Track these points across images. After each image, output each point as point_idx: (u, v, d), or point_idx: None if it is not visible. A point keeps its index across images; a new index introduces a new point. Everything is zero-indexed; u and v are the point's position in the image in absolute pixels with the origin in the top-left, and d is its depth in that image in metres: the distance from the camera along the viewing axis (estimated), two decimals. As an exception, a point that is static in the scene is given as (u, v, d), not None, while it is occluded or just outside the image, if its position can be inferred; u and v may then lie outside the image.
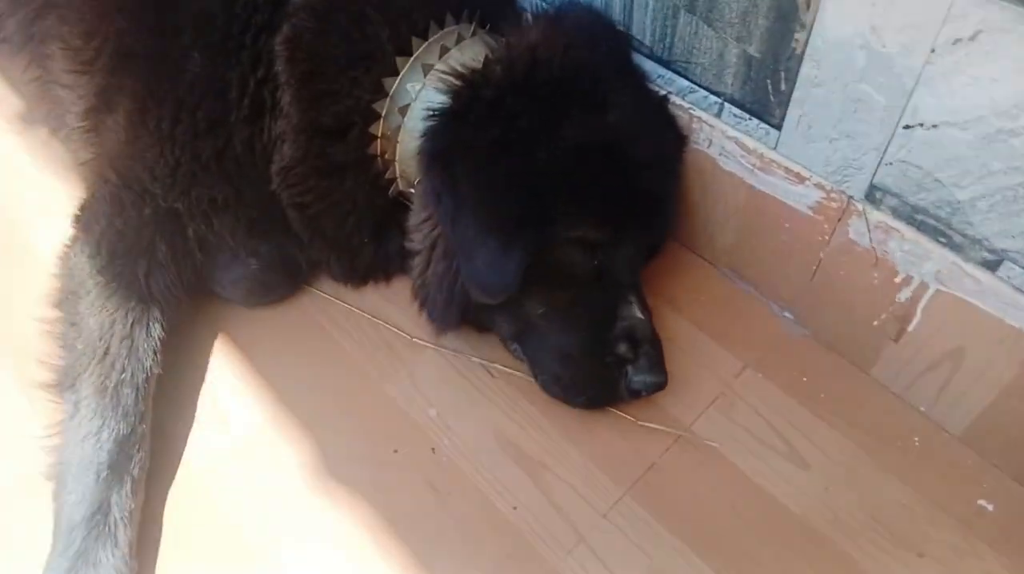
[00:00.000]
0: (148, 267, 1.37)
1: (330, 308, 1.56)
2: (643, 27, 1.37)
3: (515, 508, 1.28)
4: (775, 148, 1.29)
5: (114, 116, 1.40)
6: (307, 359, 1.48)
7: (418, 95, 1.35)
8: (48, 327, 1.37)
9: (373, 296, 1.58)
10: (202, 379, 1.45)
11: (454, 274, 1.30)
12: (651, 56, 1.40)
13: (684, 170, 1.44)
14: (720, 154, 1.38)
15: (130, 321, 1.33)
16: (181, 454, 1.36)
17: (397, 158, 1.40)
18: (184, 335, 1.48)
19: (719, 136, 1.36)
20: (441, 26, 1.39)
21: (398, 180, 1.43)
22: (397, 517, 1.28)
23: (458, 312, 1.34)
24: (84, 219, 1.40)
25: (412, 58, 1.36)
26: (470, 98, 1.24)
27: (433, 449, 1.36)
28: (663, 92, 1.40)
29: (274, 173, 1.38)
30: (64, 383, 1.30)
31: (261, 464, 1.35)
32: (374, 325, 1.53)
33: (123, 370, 1.30)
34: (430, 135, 1.25)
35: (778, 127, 1.27)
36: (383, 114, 1.37)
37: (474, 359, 1.47)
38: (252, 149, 1.38)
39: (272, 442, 1.37)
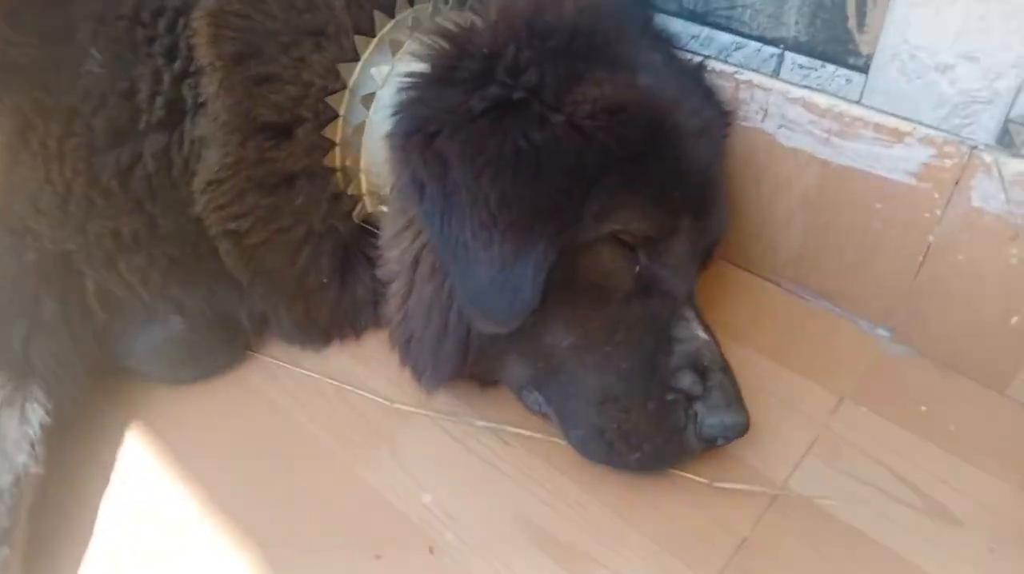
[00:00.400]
0: (28, 331, 1.02)
1: (283, 377, 1.18)
2: (668, -24, 1.09)
3: (560, 623, 0.89)
4: (859, 100, 0.99)
5: None
6: (253, 445, 1.09)
7: (387, 79, 1.04)
8: None
9: (340, 358, 1.21)
10: (106, 480, 1.05)
11: (447, 299, 0.95)
12: (680, 13, 1.11)
13: (729, 157, 1.13)
14: (780, 126, 1.07)
15: None
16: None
17: (363, 167, 1.08)
18: (85, 424, 1.09)
19: (778, 101, 1.06)
20: (411, 2, 1.09)
21: (365, 198, 1.10)
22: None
23: (454, 355, 0.98)
24: None
25: (376, 38, 1.06)
26: (458, 56, 0.92)
27: (431, 549, 0.96)
28: (698, 59, 1.11)
29: (198, 190, 1.03)
30: None
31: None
32: (342, 393, 1.15)
33: None
34: (404, 107, 0.92)
35: (863, 69, 0.97)
36: (342, 112, 1.05)
37: (479, 423, 1.10)
38: (168, 164, 1.04)
39: (208, 558, 0.97)
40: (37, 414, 0.98)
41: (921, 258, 1.03)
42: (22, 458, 0.94)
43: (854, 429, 1.06)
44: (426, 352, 0.99)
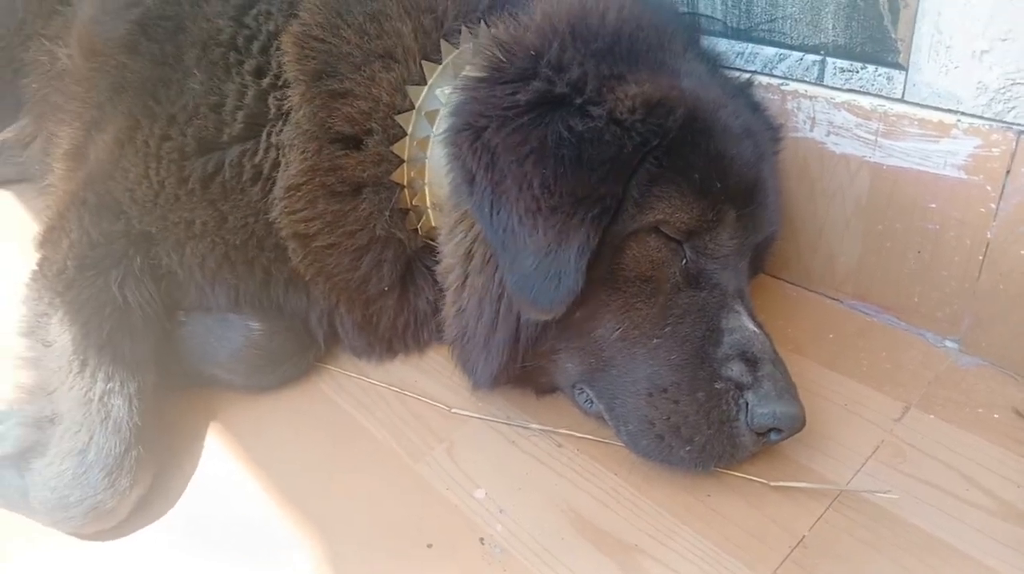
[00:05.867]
0: (123, 277, 1.14)
1: (350, 386, 1.24)
2: None
3: (604, 610, 0.87)
4: (902, 97, 1.01)
5: (102, 136, 1.22)
6: (318, 445, 1.14)
7: (449, 98, 1.13)
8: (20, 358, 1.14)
9: (403, 369, 1.26)
10: (187, 477, 1.11)
11: (497, 288, 0.99)
12: (725, 33, 1.17)
13: (784, 173, 1.15)
14: (828, 134, 1.09)
15: (107, 329, 1.09)
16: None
17: (427, 180, 1.15)
18: (169, 427, 1.16)
19: (824, 108, 1.08)
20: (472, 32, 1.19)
21: (428, 211, 1.17)
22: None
23: (505, 347, 1.01)
24: (52, 238, 1.19)
25: (442, 64, 1.15)
26: (506, 58, 0.99)
27: (482, 539, 0.97)
28: (745, 76, 1.15)
29: (277, 196, 1.13)
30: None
31: (255, 569, 0.97)
32: (403, 399, 1.19)
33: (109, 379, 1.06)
34: (456, 108, 0.99)
35: (902, 66, 0.99)
36: (409, 130, 1.14)
37: (533, 426, 1.11)
38: (241, 171, 1.16)
39: (276, 544, 1.00)
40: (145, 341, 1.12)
41: (981, 257, 1.01)
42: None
43: (920, 435, 1.02)
44: (478, 344, 1.02)
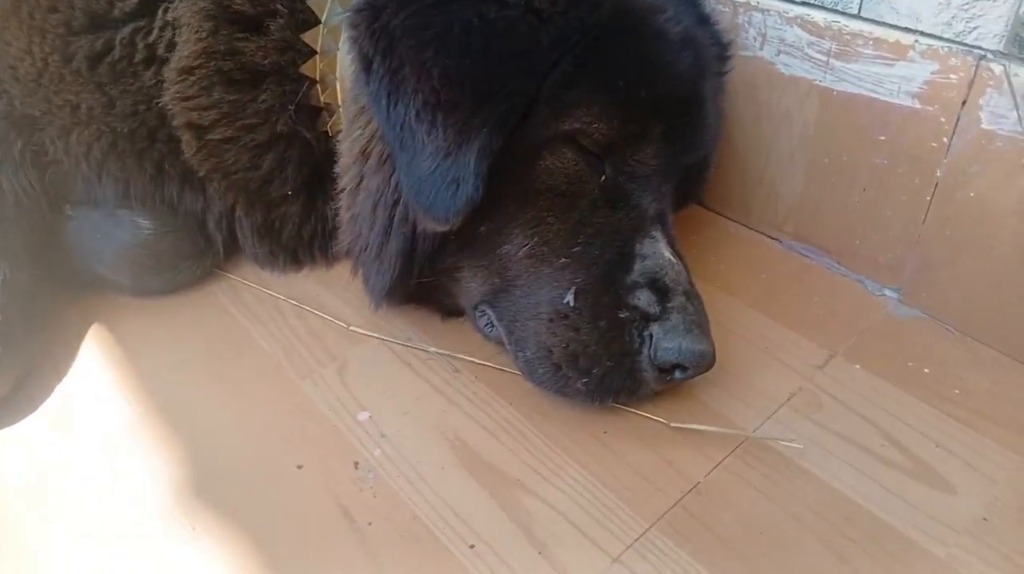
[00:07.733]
0: (0, 161, 1.04)
1: (248, 297, 1.15)
2: None
3: (472, 546, 0.79)
4: (858, 13, 0.91)
5: None
6: (203, 357, 1.05)
7: (366, -19, 1.02)
8: None
9: (307, 283, 1.17)
10: (60, 380, 1.02)
11: (392, 192, 0.90)
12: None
13: (732, 95, 1.05)
14: (779, 53, 0.99)
15: None
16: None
17: (338, 74, 1.04)
18: (46, 326, 1.08)
19: (776, 23, 0.98)
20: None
21: (339, 111, 1.06)
22: (288, 553, 0.80)
23: (399, 257, 0.92)
24: None
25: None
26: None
27: (356, 463, 0.89)
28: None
29: (170, 80, 1.02)
30: None
31: (110, 477, 0.89)
32: (300, 313, 1.11)
33: None
34: (360, -12, 0.89)
35: (861, -24, 0.89)
36: (323, 17, 1.03)
37: (431, 349, 1.03)
38: (133, 51, 1.05)
39: (129, 450, 0.92)
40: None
41: (929, 198, 0.92)
42: None
43: (842, 385, 0.94)
44: (371, 254, 0.94)
